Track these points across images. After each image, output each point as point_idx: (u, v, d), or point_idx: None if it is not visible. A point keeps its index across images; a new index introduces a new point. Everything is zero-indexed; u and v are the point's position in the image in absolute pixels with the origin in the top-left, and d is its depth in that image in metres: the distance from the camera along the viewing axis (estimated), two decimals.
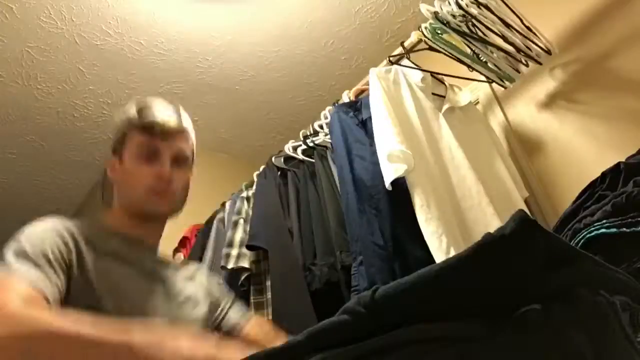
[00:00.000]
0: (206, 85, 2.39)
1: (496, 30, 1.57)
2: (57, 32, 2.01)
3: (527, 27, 1.63)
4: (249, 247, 1.73)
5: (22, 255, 0.88)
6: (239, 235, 1.85)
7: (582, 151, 1.64)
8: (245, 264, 1.77)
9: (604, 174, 1.05)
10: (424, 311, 0.45)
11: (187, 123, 1.13)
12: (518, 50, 1.63)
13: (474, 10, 1.52)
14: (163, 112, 1.09)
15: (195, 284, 1.12)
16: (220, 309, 1.14)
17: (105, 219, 1.11)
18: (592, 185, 1.05)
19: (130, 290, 0.98)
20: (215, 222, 2.12)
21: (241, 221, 1.91)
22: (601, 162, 1.12)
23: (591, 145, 1.61)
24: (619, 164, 1.03)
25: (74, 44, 2.06)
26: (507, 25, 1.58)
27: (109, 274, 0.96)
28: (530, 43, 1.63)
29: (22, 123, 2.36)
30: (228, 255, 1.79)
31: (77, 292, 0.90)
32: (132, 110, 1.11)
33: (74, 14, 1.95)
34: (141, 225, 1.09)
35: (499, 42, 1.61)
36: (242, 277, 1.77)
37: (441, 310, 0.45)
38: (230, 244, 1.83)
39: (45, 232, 0.94)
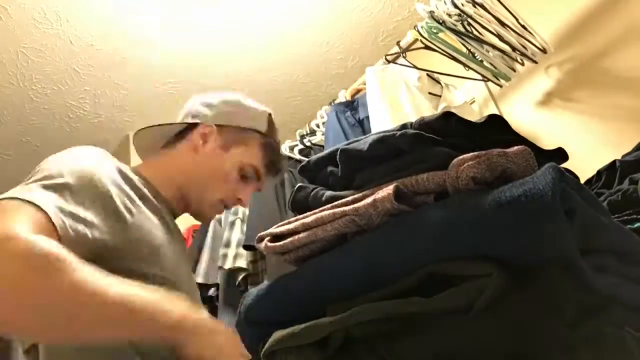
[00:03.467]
0: (202, 85, 2.39)
1: (492, 29, 1.57)
2: (52, 33, 2.00)
3: (523, 26, 1.64)
4: (245, 247, 1.73)
5: (60, 188, 0.69)
6: (236, 235, 1.85)
7: (578, 149, 1.64)
8: (242, 264, 1.77)
9: (599, 172, 1.06)
10: None
11: None
12: (514, 49, 1.63)
13: (469, 9, 1.53)
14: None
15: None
16: None
17: (143, 169, 0.92)
18: (588, 183, 1.06)
19: (169, 261, 0.80)
20: (212, 222, 2.12)
21: (238, 221, 1.91)
22: (597, 160, 1.13)
23: (587, 143, 1.62)
24: (614, 161, 1.03)
25: (69, 44, 2.05)
26: (503, 24, 1.59)
27: (154, 235, 0.79)
28: (526, 42, 1.64)
29: (17, 124, 2.35)
30: (225, 256, 1.79)
31: (118, 247, 0.72)
32: (266, 125, 0.99)
33: (69, 15, 1.95)
34: (178, 205, 0.93)
35: (495, 40, 1.61)
36: (240, 278, 1.77)
37: None
38: (227, 244, 1.83)
39: (96, 164, 0.76)
